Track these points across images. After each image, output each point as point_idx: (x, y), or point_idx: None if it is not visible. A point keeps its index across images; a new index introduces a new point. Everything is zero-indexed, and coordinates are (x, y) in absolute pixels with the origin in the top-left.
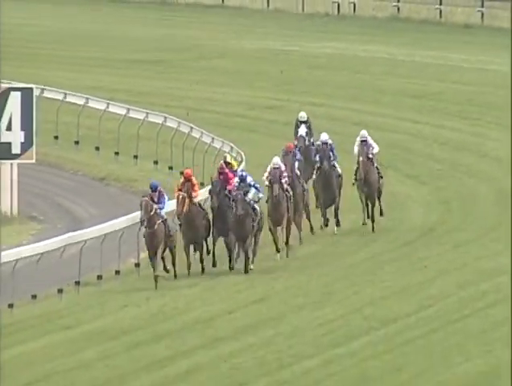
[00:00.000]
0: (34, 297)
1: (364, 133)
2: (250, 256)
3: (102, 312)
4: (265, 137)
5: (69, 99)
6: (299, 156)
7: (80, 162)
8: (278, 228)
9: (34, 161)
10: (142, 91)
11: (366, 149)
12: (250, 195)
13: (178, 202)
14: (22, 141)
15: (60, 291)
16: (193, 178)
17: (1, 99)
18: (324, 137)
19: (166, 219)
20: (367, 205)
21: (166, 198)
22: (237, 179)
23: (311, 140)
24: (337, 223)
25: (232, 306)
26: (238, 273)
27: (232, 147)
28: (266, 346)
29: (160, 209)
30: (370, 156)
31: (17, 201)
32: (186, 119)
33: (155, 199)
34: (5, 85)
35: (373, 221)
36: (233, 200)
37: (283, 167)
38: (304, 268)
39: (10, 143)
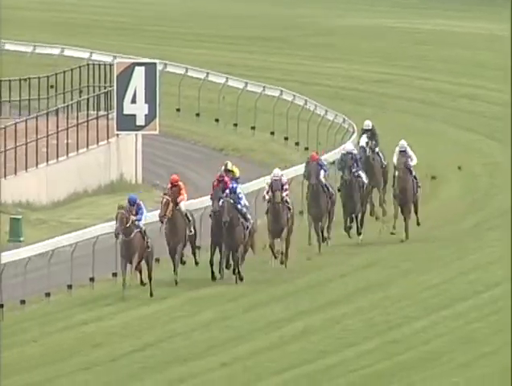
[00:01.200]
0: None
1: (403, 143)
2: (242, 264)
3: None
4: (375, 109)
5: (190, 73)
6: (325, 166)
7: (201, 134)
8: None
9: (157, 132)
10: (259, 66)
11: (405, 159)
12: (241, 206)
13: (162, 204)
14: (146, 113)
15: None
16: (180, 183)
17: (126, 74)
18: (349, 146)
19: (144, 231)
20: (402, 213)
21: (144, 210)
22: (227, 191)
23: (376, 149)
24: (358, 232)
25: (343, 271)
26: (350, 239)
27: (344, 119)
28: (376, 308)
29: (138, 220)
30: (408, 167)
31: (141, 170)
32: (301, 92)
33: (133, 213)
34: (129, 60)
35: (406, 231)
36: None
37: (284, 179)
38: (411, 236)
39: (134, 115)
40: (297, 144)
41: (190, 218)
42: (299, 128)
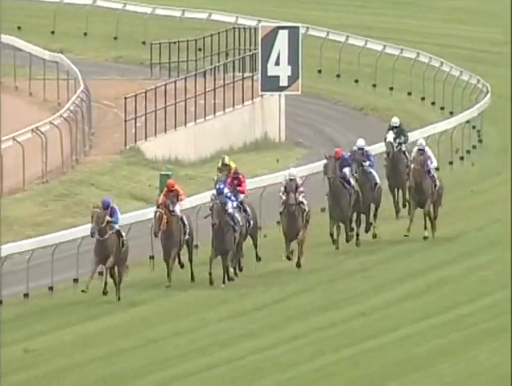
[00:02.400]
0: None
1: (422, 142)
2: (231, 269)
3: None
4: (508, 70)
5: (331, 36)
6: (349, 162)
7: (341, 94)
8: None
9: (299, 92)
10: (397, 28)
11: (423, 158)
12: (230, 208)
13: (155, 219)
14: (289, 74)
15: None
16: (176, 187)
17: (270, 37)
18: (361, 142)
19: (119, 231)
20: (424, 212)
21: (118, 213)
22: (214, 192)
23: (403, 148)
24: (366, 228)
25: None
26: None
27: (478, 80)
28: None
29: (114, 223)
30: (426, 167)
31: (284, 129)
32: (437, 54)
33: (107, 216)
34: (273, 24)
35: (432, 229)
36: (210, 209)
37: (299, 180)
38: None
39: (278, 76)
40: (433, 104)
41: (186, 222)
42: (435, 88)
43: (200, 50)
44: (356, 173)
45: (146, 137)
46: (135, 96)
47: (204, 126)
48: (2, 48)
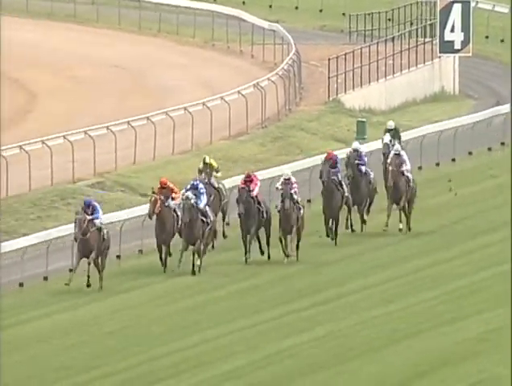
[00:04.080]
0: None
1: (398, 147)
2: (200, 258)
3: None
4: None
5: (497, 9)
6: (338, 167)
7: (505, 56)
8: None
9: (470, 54)
10: None
11: (399, 161)
12: (202, 204)
13: (150, 202)
14: (462, 39)
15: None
16: (169, 184)
17: (446, 9)
18: (356, 145)
19: (101, 228)
20: (399, 208)
21: (99, 210)
22: (188, 186)
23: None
24: (363, 222)
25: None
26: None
27: None
28: None
29: (95, 219)
30: (401, 169)
31: (458, 84)
32: None
33: (89, 213)
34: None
35: (407, 223)
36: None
37: (293, 179)
38: None
39: (453, 41)
40: None
41: (179, 213)
42: None
43: (389, 20)
44: (350, 173)
45: (345, 91)
46: (337, 57)
47: (393, 82)
48: (228, 19)
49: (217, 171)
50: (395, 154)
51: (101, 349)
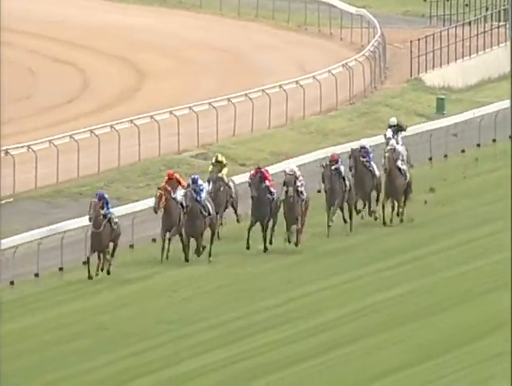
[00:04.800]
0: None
1: (393, 142)
2: (201, 249)
3: None
4: None
5: None
6: (341, 166)
7: None
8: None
9: None
10: None
11: (395, 156)
12: (202, 196)
13: (156, 198)
14: None
15: None
16: (176, 176)
17: None
18: (363, 142)
19: (110, 218)
20: (393, 203)
21: (110, 204)
22: (189, 181)
23: (399, 142)
24: (370, 213)
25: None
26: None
27: None
28: None
29: (107, 213)
30: (396, 164)
31: None
32: None
33: (101, 206)
34: None
35: (401, 214)
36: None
37: (298, 173)
38: None
39: None
40: None
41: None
42: None
43: (466, 5)
44: (354, 168)
45: (426, 70)
46: (418, 40)
47: (469, 62)
48: (319, 5)
49: (223, 168)
50: (390, 149)
51: (212, 301)
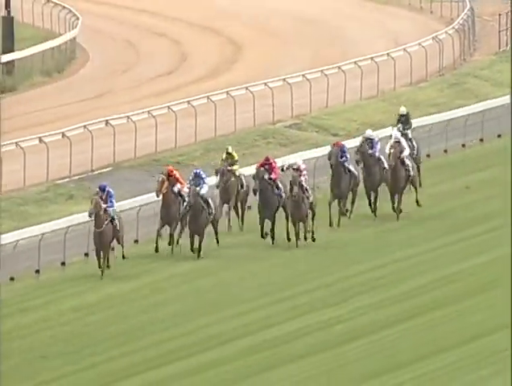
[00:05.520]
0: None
1: (397, 134)
2: (202, 246)
3: None
4: None
5: None
6: (346, 153)
7: None
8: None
9: None
10: None
11: (399, 148)
12: (204, 191)
13: (158, 182)
14: None
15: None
16: (175, 173)
17: None
18: (369, 132)
19: (113, 217)
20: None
21: (113, 197)
22: (192, 175)
23: (409, 134)
24: (374, 206)
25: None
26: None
27: None
28: None
29: (109, 207)
30: (401, 157)
31: None
32: None
33: (103, 198)
34: None
35: (399, 211)
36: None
37: (303, 167)
38: None
39: None
40: None
41: (186, 199)
42: None
43: None
44: (361, 159)
45: None
46: (507, 12)
47: None
48: None
49: (233, 164)
50: (395, 142)
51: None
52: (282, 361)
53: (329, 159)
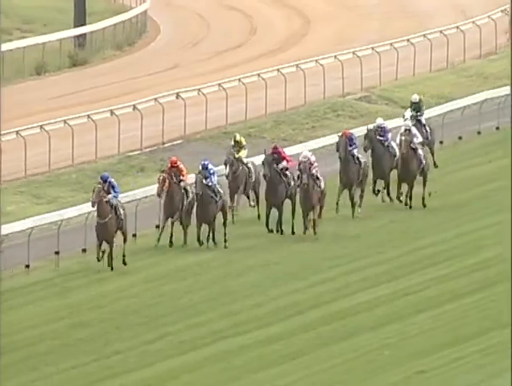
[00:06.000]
0: None
1: (408, 123)
2: (213, 234)
3: None
4: None
5: None
6: (354, 142)
7: None
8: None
9: None
10: None
11: (410, 137)
12: (211, 182)
13: (159, 182)
14: None
15: None
16: (179, 164)
17: None
18: (380, 121)
19: (116, 205)
20: (408, 184)
21: (116, 187)
22: (200, 167)
23: (423, 120)
24: (387, 192)
25: None
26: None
27: None
28: None
29: (114, 197)
30: (412, 146)
31: None
32: None
33: (105, 189)
34: None
35: (410, 198)
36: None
37: (313, 159)
38: None
39: None
40: None
41: (189, 190)
42: None
43: None
44: (370, 147)
45: None
46: None
47: None
48: None
49: (240, 150)
50: (406, 130)
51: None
52: (349, 333)
53: (337, 150)
